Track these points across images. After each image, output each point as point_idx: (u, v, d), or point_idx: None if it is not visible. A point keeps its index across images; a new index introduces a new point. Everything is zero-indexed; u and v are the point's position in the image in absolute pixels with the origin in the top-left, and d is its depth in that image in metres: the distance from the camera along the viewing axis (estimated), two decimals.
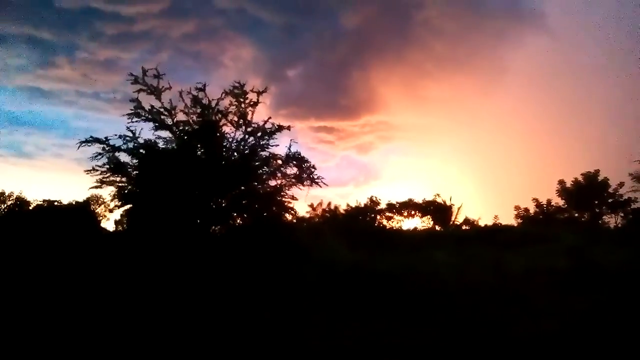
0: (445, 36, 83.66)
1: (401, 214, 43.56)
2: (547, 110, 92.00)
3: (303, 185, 16.86)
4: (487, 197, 64.33)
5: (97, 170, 15.34)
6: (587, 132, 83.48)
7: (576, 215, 40.76)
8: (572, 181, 40.41)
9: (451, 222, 42.55)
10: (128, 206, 15.88)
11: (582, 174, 39.94)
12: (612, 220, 39.69)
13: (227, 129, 16.45)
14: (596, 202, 39.50)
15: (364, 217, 40.69)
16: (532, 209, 42.49)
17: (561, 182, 40.83)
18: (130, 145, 15.51)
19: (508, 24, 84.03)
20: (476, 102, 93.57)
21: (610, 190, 39.07)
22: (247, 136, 16.44)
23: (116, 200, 15.70)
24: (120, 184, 15.70)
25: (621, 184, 38.45)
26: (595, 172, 39.30)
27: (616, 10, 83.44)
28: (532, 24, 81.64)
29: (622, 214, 39.31)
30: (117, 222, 21.41)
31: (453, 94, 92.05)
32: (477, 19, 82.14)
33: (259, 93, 16.60)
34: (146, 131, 15.88)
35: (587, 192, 39.22)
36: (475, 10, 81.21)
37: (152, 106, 15.80)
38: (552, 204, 41.81)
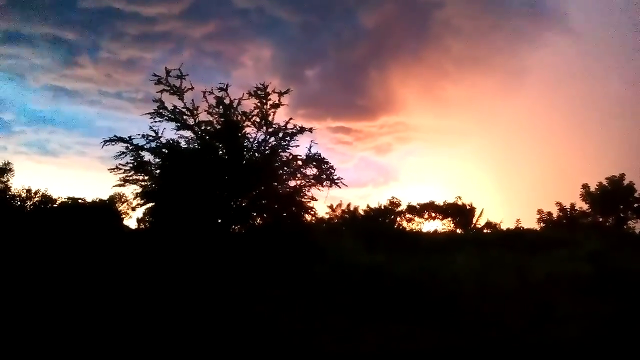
0: (463, 36, 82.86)
1: (422, 216, 43.24)
2: (569, 111, 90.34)
3: (322, 186, 16.85)
4: (509, 200, 63.54)
5: (121, 168, 15.57)
6: (611, 134, 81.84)
7: (600, 220, 39.99)
8: (597, 185, 39.69)
9: (472, 225, 42.08)
10: (150, 204, 16.08)
11: (606, 178, 39.21)
12: (637, 226, 38.86)
13: (249, 129, 16.54)
14: (621, 206, 38.73)
15: (383, 218, 40.46)
16: (555, 213, 41.86)
17: (585, 186, 40.12)
18: (153, 144, 15.71)
19: (528, 23, 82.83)
20: (496, 103, 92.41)
21: (636, 195, 38.29)
22: (268, 137, 16.51)
23: (139, 198, 15.93)
24: (143, 183, 15.90)
25: None
26: (620, 176, 38.57)
27: (638, 12, 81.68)
28: (552, 24, 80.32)
29: None
30: (139, 220, 21.67)
31: (472, 94, 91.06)
32: (496, 18, 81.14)
33: (280, 94, 16.64)
34: (168, 131, 16.06)
35: (612, 196, 38.46)
36: (494, 9, 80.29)
37: (175, 106, 15.98)
38: (575, 208, 41.10)
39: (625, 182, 38.68)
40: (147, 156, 15.81)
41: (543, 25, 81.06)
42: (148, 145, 15.71)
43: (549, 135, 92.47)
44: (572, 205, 41.20)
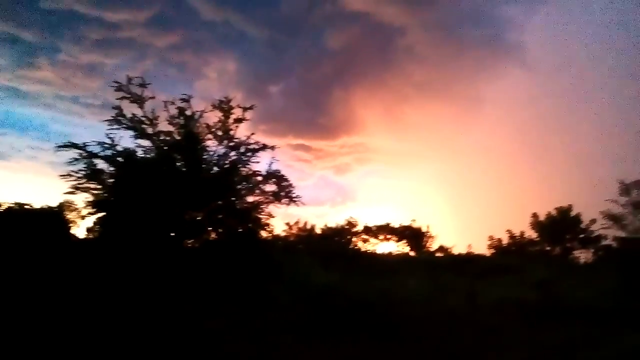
0: (426, 63, 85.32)
1: (377, 237, 43.71)
2: (524, 143, 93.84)
3: (281, 203, 16.81)
4: (462, 225, 65.02)
5: (73, 175, 15.04)
6: (562, 167, 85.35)
7: (548, 248, 41.45)
8: (546, 215, 41.18)
9: (425, 249, 42.80)
10: (101, 214, 15.60)
11: (555, 209, 40.81)
12: (582, 256, 40.48)
13: (210, 142, 16.37)
14: (568, 236, 40.28)
15: (340, 238, 40.64)
16: (505, 239, 43.14)
17: (535, 215, 41.60)
18: (109, 152, 15.28)
19: (488, 55, 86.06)
20: (454, 130, 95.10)
21: (582, 226, 39.92)
22: (229, 151, 16.38)
23: (90, 207, 15.41)
24: (95, 191, 15.42)
25: (593, 221, 39.34)
26: (568, 207, 40.20)
27: (596, 51, 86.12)
28: (511, 57, 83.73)
29: (592, 250, 40.12)
30: (88, 230, 20.97)
31: (431, 120, 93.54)
32: (458, 48, 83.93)
33: (244, 109, 16.60)
34: (126, 139, 15.67)
35: (560, 226, 40.00)
36: (456, 39, 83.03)
37: (134, 114, 15.64)
38: (525, 236, 42.49)
39: (573, 213, 40.31)
40: (101, 164, 15.37)
41: (502, 58, 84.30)
42: (103, 153, 15.27)
43: (502, 164, 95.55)
44: (522, 233, 42.62)
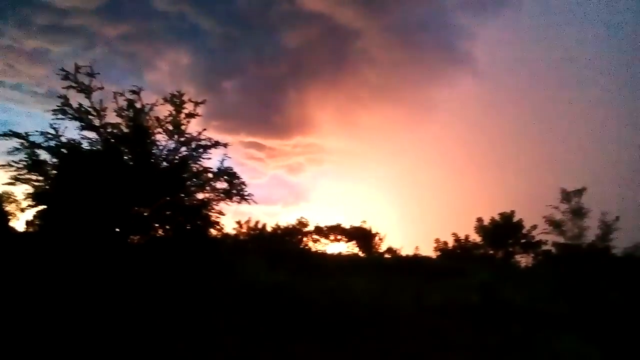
0: (380, 66, 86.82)
1: (328, 238, 43.97)
2: (471, 148, 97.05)
3: (232, 201, 16.60)
4: (410, 227, 66.37)
5: (13, 166, 14.35)
6: (506, 172, 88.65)
7: (491, 252, 42.89)
8: (490, 219, 42.58)
9: (375, 250, 43.38)
10: (42, 207, 14.95)
11: (499, 213, 42.27)
12: (523, 260, 42.12)
13: (160, 136, 15.96)
14: (510, 241, 41.81)
15: (290, 237, 40.63)
16: (451, 242, 44.32)
17: (479, 220, 42.96)
18: (52, 143, 14.66)
19: (440, 61, 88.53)
20: (405, 134, 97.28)
21: (524, 231, 41.53)
22: (179, 146, 16.03)
23: (30, 199, 14.73)
24: (36, 183, 14.76)
25: (534, 226, 41.00)
26: (511, 213, 41.71)
27: (543, 61, 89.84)
28: (462, 64, 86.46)
29: (532, 255, 41.80)
30: (28, 223, 20.09)
31: (384, 123, 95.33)
32: (412, 54, 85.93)
33: (196, 104, 16.29)
34: (71, 130, 15.07)
35: (503, 231, 41.47)
36: (410, 44, 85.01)
37: (81, 105, 15.05)
38: (469, 239, 43.80)
39: (516, 218, 41.86)
40: (44, 155, 14.72)
41: (453, 65, 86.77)
42: (46, 144, 14.63)
43: (451, 168, 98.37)
44: (467, 237, 43.93)
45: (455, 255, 42.15)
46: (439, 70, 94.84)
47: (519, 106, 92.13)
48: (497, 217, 42.51)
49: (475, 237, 43.63)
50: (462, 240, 43.93)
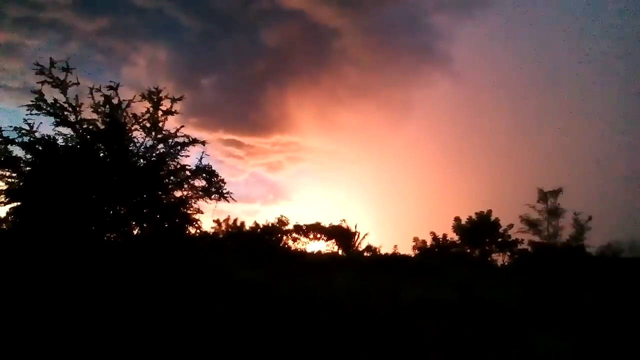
0: (359, 66, 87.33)
1: (307, 236, 44.04)
2: (449, 148, 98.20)
3: (210, 199, 16.48)
4: (389, 226, 66.91)
5: None
6: (485, 173, 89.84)
7: (468, 250, 43.49)
8: (467, 219, 43.14)
9: (354, 248, 43.60)
10: (16, 204, 14.65)
11: (476, 213, 42.84)
12: (499, 258, 42.83)
13: (137, 133, 15.77)
14: (487, 240, 42.44)
15: (270, 236, 40.58)
16: (429, 241, 44.80)
17: (457, 219, 43.53)
18: (26, 139, 14.38)
19: (419, 62, 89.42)
20: (384, 133, 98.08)
21: (501, 230, 42.19)
22: (156, 143, 15.87)
23: (3, 196, 14.43)
24: (9, 179, 14.46)
25: (510, 225, 41.72)
26: (488, 212, 42.33)
27: (519, 63, 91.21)
28: (440, 65, 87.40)
29: (509, 253, 42.51)
30: (1, 220, 19.69)
31: (363, 122, 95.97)
32: (391, 54, 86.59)
33: (173, 100, 16.13)
34: (45, 126, 14.80)
35: (480, 230, 42.09)
36: (388, 45, 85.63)
37: (56, 100, 14.79)
38: (447, 238, 44.34)
39: (493, 217, 42.48)
40: (18, 151, 14.43)
41: (431, 66, 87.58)
42: (20, 140, 14.34)
43: (428, 168, 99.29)
44: (444, 236, 44.51)
45: (433, 254, 42.66)
46: (417, 71, 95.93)
47: (497, 106, 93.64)
48: (474, 216, 43.11)
49: (453, 236, 44.22)
50: (440, 239, 44.48)
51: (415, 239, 45.36)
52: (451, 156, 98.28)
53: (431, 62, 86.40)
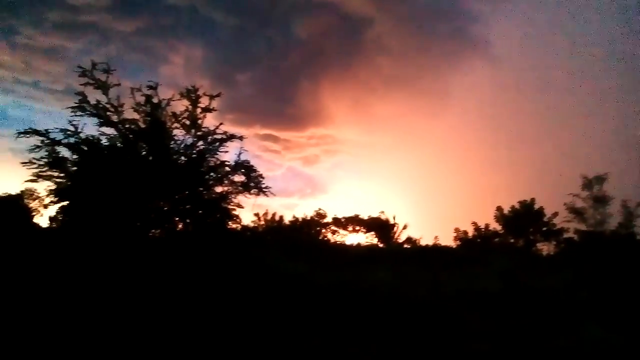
0: (393, 55, 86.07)
1: (346, 229, 43.96)
2: (489, 136, 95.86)
3: (250, 194, 16.68)
4: (428, 217, 66.02)
5: (34, 163, 14.59)
6: (527, 160, 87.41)
7: (511, 240, 42.45)
8: (510, 208, 42.12)
9: (394, 240, 43.26)
10: (64, 203, 15.19)
11: (519, 202, 41.77)
12: (544, 248, 41.61)
13: (177, 131, 16.09)
14: (531, 229, 41.32)
15: (308, 229, 40.73)
16: (470, 231, 44.00)
17: (499, 208, 42.52)
18: (72, 140, 14.87)
19: (455, 48, 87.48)
20: (421, 122, 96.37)
21: (545, 219, 40.99)
22: (196, 140, 16.14)
23: (52, 196, 14.98)
24: (57, 180, 15.00)
25: (555, 214, 40.43)
26: (531, 201, 41.20)
27: (561, 44, 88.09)
28: (477, 50, 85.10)
29: (554, 243, 41.27)
30: (51, 219, 20.47)
31: (398, 112, 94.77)
32: (426, 41, 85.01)
33: (211, 97, 16.36)
34: (90, 127, 15.26)
35: (523, 219, 40.98)
36: (424, 32, 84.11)
37: (98, 101, 15.23)
38: (489, 228, 43.41)
39: (536, 206, 41.34)
40: (65, 152, 14.94)
41: (468, 51, 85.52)
42: (66, 141, 14.85)
43: (468, 156, 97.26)
44: (487, 226, 43.52)
45: (475, 245, 41.86)
46: (453, 57, 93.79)
47: (538, 90, 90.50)
48: (517, 206, 41.99)
49: (496, 226, 43.18)
50: (482, 229, 43.53)
51: (457, 230, 44.48)
52: (491, 144, 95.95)
53: (468, 48, 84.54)
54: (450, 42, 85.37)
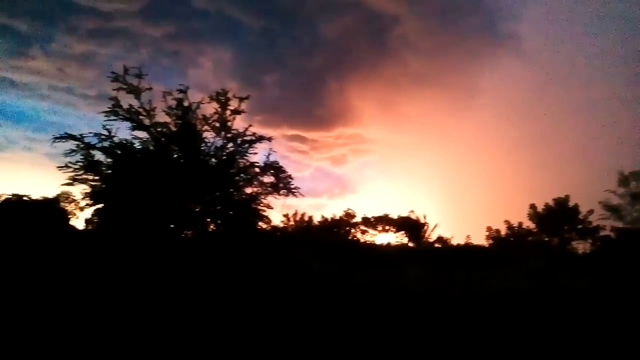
0: (420, 53, 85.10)
1: (375, 229, 43.76)
2: (521, 132, 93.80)
3: (279, 195, 16.77)
4: (460, 216, 65.09)
5: (70, 167, 14.98)
6: (560, 157, 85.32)
7: (546, 239, 41.51)
8: (544, 206, 41.17)
9: (424, 239, 42.85)
10: (99, 205, 15.55)
11: (553, 199, 40.82)
12: (580, 246, 40.53)
13: (207, 134, 16.30)
14: (566, 227, 40.31)
15: (338, 229, 40.69)
16: (503, 230, 43.20)
17: (532, 206, 41.62)
18: (106, 144, 15.21)
19: (483, 45, 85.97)
20: (450, 120, 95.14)
21: (580, 217, 39.93)
22: (226, 142, 16.31)
23: (87, 199, 15.36)
24: (92, 183, 15.37)
25: (591, 211, 39.34)
26: (565, 198, 40.22)
27: (592, 40, 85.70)
28: (506, 46, 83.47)
29: (590, 241, 40.17)
30: (87, 221, 20.95)
31: (427, 110, 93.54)
32: (453, 38, 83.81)
33: (240, 99, 16.50)
34: (123, 130, 15.59)
35: (558, 217, 40.03)
36: (451, 29, 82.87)
37: (131, 105, 15.54)
38: (522, 226, 42.53)
39: (571, 203, 40.30)
40: (99, 156, 15.30)
41: (497, 47, 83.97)
42: (100, 145, 15.20)
43: (499, 154, 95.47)
44: (520, 224, 42.68)
45: (508, 243, 41.10)
46: (481, 53, 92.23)
47: (569, 86, 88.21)
48: (551, 203, 41.03)
49: (529, 224, 42.27)
50: (515, 228, 42.69)
51: (489, 229, 43.72)
52: (522, 141, 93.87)
53: (496, 43, 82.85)
54: (478, 38, 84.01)
